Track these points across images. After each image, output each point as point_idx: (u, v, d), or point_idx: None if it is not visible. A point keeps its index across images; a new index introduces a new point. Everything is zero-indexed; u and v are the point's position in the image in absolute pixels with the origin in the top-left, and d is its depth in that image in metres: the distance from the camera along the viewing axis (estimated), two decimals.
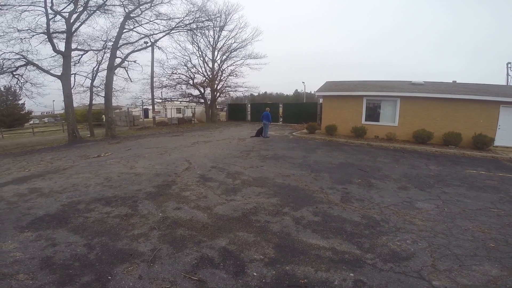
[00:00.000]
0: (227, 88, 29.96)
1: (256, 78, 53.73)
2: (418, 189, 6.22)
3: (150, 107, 26.89)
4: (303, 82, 63.51)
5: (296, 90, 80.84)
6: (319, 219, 4.48)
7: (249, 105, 30.38)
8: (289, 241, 3.76)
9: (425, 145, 12.25)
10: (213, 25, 25.23)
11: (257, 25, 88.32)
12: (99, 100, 20.10)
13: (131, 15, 17.32)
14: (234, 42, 28.58)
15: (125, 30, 17.81)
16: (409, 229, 4.16)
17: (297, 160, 9.08)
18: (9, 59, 14.46)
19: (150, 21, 18.54)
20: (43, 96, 17.09)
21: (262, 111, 16.50)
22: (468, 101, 12.42)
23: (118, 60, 18.27)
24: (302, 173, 7.43)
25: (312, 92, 56.38)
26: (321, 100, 20.57)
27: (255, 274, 3.01)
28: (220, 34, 28.05)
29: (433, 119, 13.06)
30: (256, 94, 36.72)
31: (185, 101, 30.42)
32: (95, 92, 19.04)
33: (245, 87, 30.46)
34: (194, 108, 32.38)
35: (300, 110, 24.41)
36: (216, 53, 28.85)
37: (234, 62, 29.68)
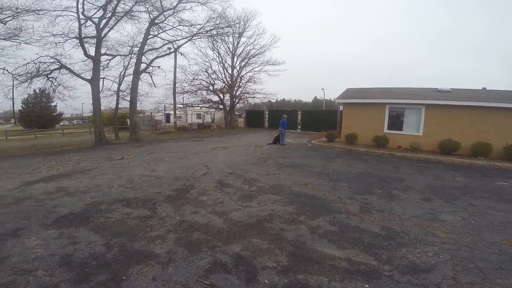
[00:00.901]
0: (245, 94, 30.27)
1: (274, 85, 54.11)
2: (443, 200, 5.92)
3: (172, 112, 27.64)
4: (323, 89, 62.93)
5: (315, 97, 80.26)
6: (336, 229, 4.37)
7: (266, 112, 30.44)
8: (304, 250, 3.69)
9: (451, 156, 11.67)
10: (233, 31, 25.75)
11: (275, 31, 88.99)
12: (124, 104, 20.92)
13: (156, 21, 18.05)
14: (253, 49, 29.03)
15: (150, 36, 18.56)
16: (431, 241, 3.98)
17: (315, 169, 8.95)
18: (44, 63, 15.40)
19: (173, 27, 19.25)
20: (74, 99, 18.04)
21: (279, 118, 16.42)
22: (499, 109, 11.72)
23: (143, 66, 19.02)
24: (320, 182, 7.30)
25: (332, 99, 55.64)
26: (341, 108, 20.25)
27: (266, 281, 2.98)
28: (239, 40, 28.55)
29: (460, 128, 12.44)
30: (274, 101, 36.86)
31: (205, 107, 31.02)
32: (121, 96, 19.83)
33: (263, 94, 30.68)
34: (214, 114, 32.92)
35: (319, 118, 24.09)
36: (235, 59, 29.36)
37: (252, 69, 30.10)
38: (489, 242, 3.97)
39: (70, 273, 3.09)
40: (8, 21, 13.48)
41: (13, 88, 15.74)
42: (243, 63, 29.57)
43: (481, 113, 12.07)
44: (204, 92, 28.78)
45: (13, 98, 20.13)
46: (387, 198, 6.03)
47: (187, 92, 27.68)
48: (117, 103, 19.91)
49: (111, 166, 9.23)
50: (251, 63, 29.75)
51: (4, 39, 13.88)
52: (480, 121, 12.10)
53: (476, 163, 10.54)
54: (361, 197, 6.10)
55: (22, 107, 35.04)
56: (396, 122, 14.34)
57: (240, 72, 29.82)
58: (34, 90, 31.02)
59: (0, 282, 2.90)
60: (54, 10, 14.65)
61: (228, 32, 23.70)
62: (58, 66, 15.82)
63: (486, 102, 12.10)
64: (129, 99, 19.27)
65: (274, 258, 3.46)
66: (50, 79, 16.10)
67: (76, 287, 2.84)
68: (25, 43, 14.52)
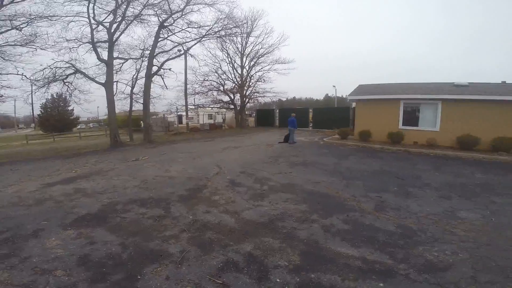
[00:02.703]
0: (255, 93, 30.28)
1: (284, 83, 53.51)
2: (463, 198, 5.72)
3: (184, 113, 27.99)
4: (334, 86, 61.60)
5: (327, 94, 78.84)
6: (350, 228, 4.30)
7: (277, 111, 30.23)
8: (316, 248, 3.65)
9: (470, 152, 11.24)
10: (241, 32, 25.65)
11: (283, 30, 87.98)
12: (138, 106, 21.32)
13: (165, 24, 18.29)
14: (261, 48, 28.88)
15: (160, 39, 18.82)
16: (449, 240, 3.85)
17: (328, 167, 8.84)
18: (60, 68, 15.86)
19: (182, 30, 19.42)
20: (89, 103, 18.52)
21: (290, 116, 16.15)
22: None
23: (154, 68, 19.31)
24: (333, 180, 7.20)
25: (344, 96, 54.69)
26: (353, 105, 19.89)
27: (278, 280, 2.97)
28: (248, 40, 28.50)
29: (479, 123, 11.95)
30: (284, 99, 36.50)
31: (216, 107, 31.22)
32: (134, 99, 20.24)
33: (273, 93, 30.46)
34: (225, 114, 33.07)
35: (331, 115, 23.75)
36: (244, 59, 29.31)
37: (261, 68, 29.96)
38: (511, 241, 3.80)
39: (88, 273, 3.17)
40: (23, 27, 13.96)
41: (32, 93, 16.31)
42: (252, 63, 29.53)
43: (503, 107, 11.57)
44: (215, 93, 28.99)
45: (32, 103, 20.83)
46: (403, 196, 5.88)
47: (198, 93, 27.97)
48: (131, 106, 20.33)
49: (126, 167, 9.44)
50: (260, 62, 29.67)
51: (20, 45, 14.39)
52: (501, 116, 11.59)
53: (498, 159, 10.13)
54: (375, 195, 5.97)
55: (41, 111, 36.24)
56: (411, 118, 13.95)
57: (250, 71, 29.81)
58: (52, 95, 32.12)
59: (22, 282, 3.01)
60: (66, 16, 15.07)
61: (236, 32, 23.68)
62: (73, 71, 16.26)
63: (507, 96, 11.59)
64: (142, 102, 19.64)
65: (286, 257, 3.44)
66: (66, 83, 16.56)
67: (93, 286, 2.92)
68: (41, 48, 14.98)
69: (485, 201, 5.49)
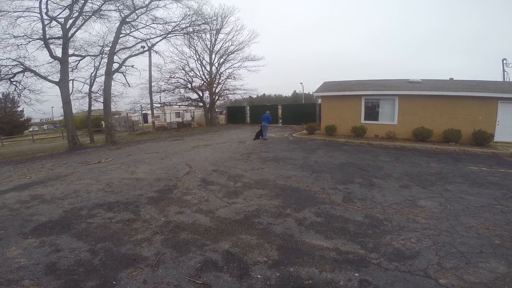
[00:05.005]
0: (225, 91, 30.04)
1: (254, 80, 54.07)
2: (420, 187, 6.22)
3: (149, 112, 26.89)
4: (301, 83, 63.53)
5: (295, 91, 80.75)
6: (322, 220, 4.48)
7: (248, 108, 30.44)
8: (292, 242, 3.75)
9: (425, 143, 12.26)
10: (210, 28, 25.21)
11: (254, 27, 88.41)
12: (98, 105, 20.08)
13: (127, 20, 17.37)
14: (231, 45, 28.69)
15: (121, 35, 17.85)
16: (413, 228, 4.16)
17: (297, 161, 9.08)
18: (6, 66, 14.43)
19: (147, 26, 18.62)
20: (41, 103, 17.06)
21: (261, 113, 16.46)
22: (466, 98, 12.46)
23: (115, 65, 18.26)
24: (303, 174, 7.42)
25: (310, 93, 56.41)
26: (319, 101, 20.60)
27: (259, 276, 3.01)
28: (217, 37, 28.16)
29: (432, 116, 13.10)
30: (254, 96, 36.85)
31: (184, 105, 30.44)
32: (93, 98, 19.02)
33: (244, 90, 30.48)
34: (193, 112, 32.41)
35: (299, 111, 24.41)
36: (213, 56, 28.92)
37: (231, 65, 29.80)
38: (467, 227, 4.17)
39: (58, 281, 2.98)
40: None
41: None
42: (221, 60, 29.21)
43: (450, 102, 12.77)
44: (182, 90, 28.25)
45: None
46: (368, 187, 6.25)
47: (164, 91, 27.06)
48: (90, 105, 19.08)
49: (88, 170, 8.86)
50: (230, 60, 29.50)
51: None
52: (449, 109, 12.79)
53: (448, 149, 11.15)
54: (343, 186, 6.27)
55: None
56: (372, 112, 14.84)
57: (219, 68, 29.45)
58: None
59: None
60: (14, 11, 13.75)
61: (205, 29, 23.19)
62: (22, 69, 14.88)
63: (454, 92, 12.81)
64: (102, 101, 18.49)
65: (264, 253, 3.49)
66: (14, 83, 15.14)
67: None
68: None
69: (440, 189, 6.03)
